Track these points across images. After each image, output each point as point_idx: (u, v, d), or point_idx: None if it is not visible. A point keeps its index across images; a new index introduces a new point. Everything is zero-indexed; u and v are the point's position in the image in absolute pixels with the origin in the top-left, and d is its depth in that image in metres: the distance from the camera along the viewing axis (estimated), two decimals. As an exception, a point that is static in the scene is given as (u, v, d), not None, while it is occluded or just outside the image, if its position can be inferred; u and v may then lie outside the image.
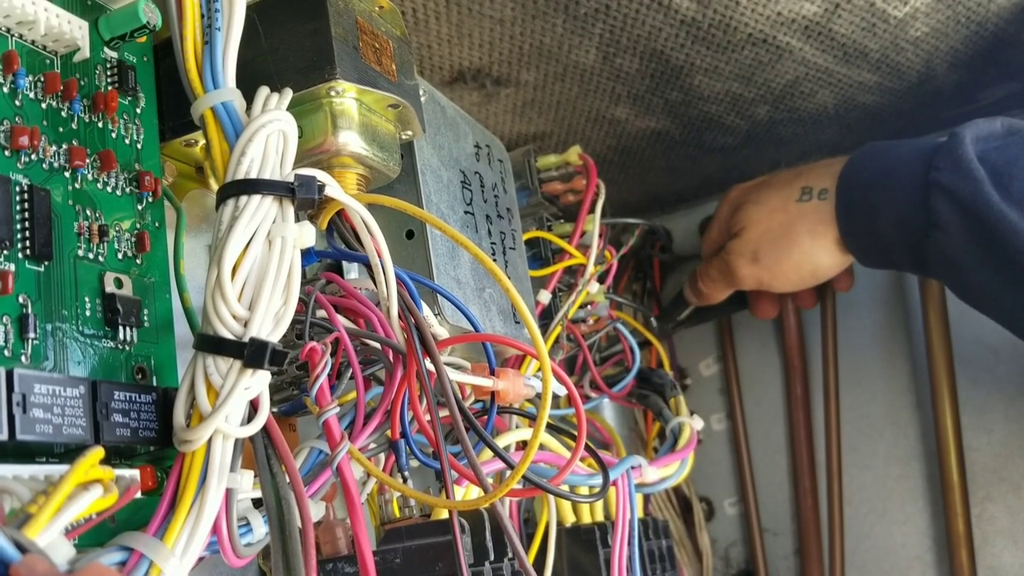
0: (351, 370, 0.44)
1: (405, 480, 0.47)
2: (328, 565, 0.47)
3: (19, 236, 0.37)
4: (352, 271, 0.50)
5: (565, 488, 0.51)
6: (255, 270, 0.38)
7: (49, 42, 0.41)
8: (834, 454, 0.88)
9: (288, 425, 0.53)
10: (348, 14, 0.48)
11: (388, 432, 0.46)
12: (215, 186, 0.45)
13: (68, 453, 0.36)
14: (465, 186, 0.59)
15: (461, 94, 0.73)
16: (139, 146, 0.44)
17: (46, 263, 0.38)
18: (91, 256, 0.41)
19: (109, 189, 0.42)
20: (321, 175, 0.41)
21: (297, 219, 0.40)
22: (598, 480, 0.54)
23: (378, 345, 0.44)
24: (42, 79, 0.40)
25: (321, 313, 0.43)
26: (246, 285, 0.38)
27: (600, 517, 0.63)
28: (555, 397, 0.57)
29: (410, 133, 0.52)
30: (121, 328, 0.41)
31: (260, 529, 0.40)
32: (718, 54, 0.71)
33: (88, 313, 0.40)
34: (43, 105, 0.40)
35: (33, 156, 0.39)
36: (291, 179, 0.39)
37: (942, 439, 0.83)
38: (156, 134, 0.46)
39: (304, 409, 0.48)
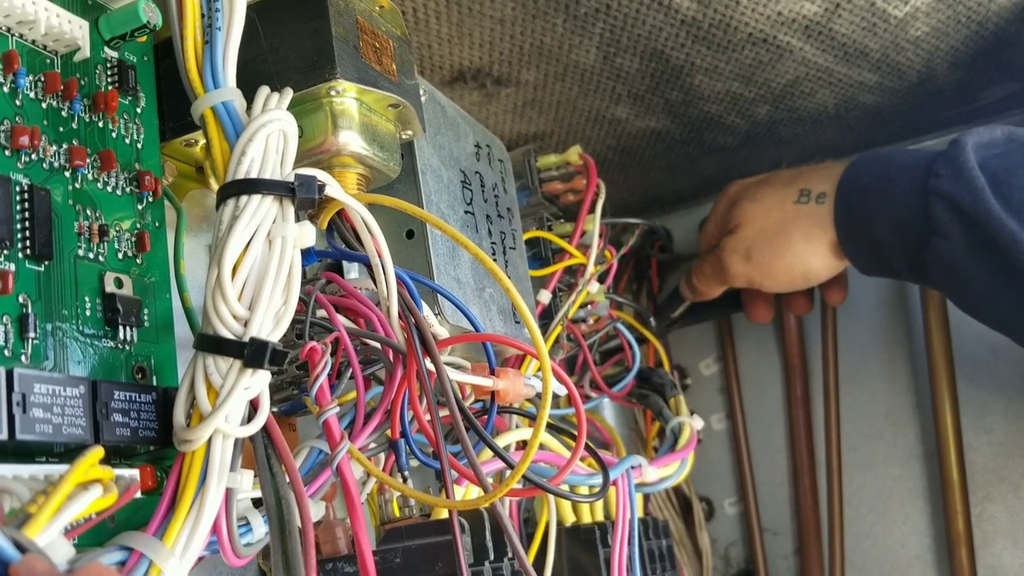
0: (351, 370, 0.44)
1: (405, 480, 0.47)
2: (328, 565, 0.47)
3: (19, 236, 0.37)
4: (352, 271, 0.50)
5: (565, 488, 0.51)
6: (255, 270, 0.38)
7: (49, 42, 0.41)
8: (834, 454, 0.88)
9: (288, 425, 0.53)
10: (348, 14, 0.48)
11: (388, 432, 0.46)
12: (215, 186, 0.45)
13: (68, 453, 0.36)
14: (465, 186, 0.59)
15: (461, 94, 0.73)
16: (139, 146, 0.44)
17: (46, 263, 0.38)
18: (91, 256, 0.41)
19: (109, 189, 0.42)
20: (321, 175, 0.41)
21: (297, 219, 0.40)
22: (598, 480, 0.54)
23: (378, 345, 0.44)
24: (42, 79, 0.40)
25: (321, 313, 0.43)
26: (246, 285, 0.38)
27: (600, 517, 0.63)
28: (555, 397, 0.57)
29: (410, 133, 0.52)
30: (121, 328, 0.41)
31: (260, 529, 0.40)
32: (718, 54, 0.71)
33: (88, 313, 0.40)
34: (43, 105, 0.40)
35: (33, 156, 0.39)
36: (291, 179, 0.40)
37: (942, 439, 0.83)
38: (156, 134, 0.46)
39: (304, 409, 0.48)
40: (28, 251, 0.37)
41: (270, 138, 0.40)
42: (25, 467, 0.34)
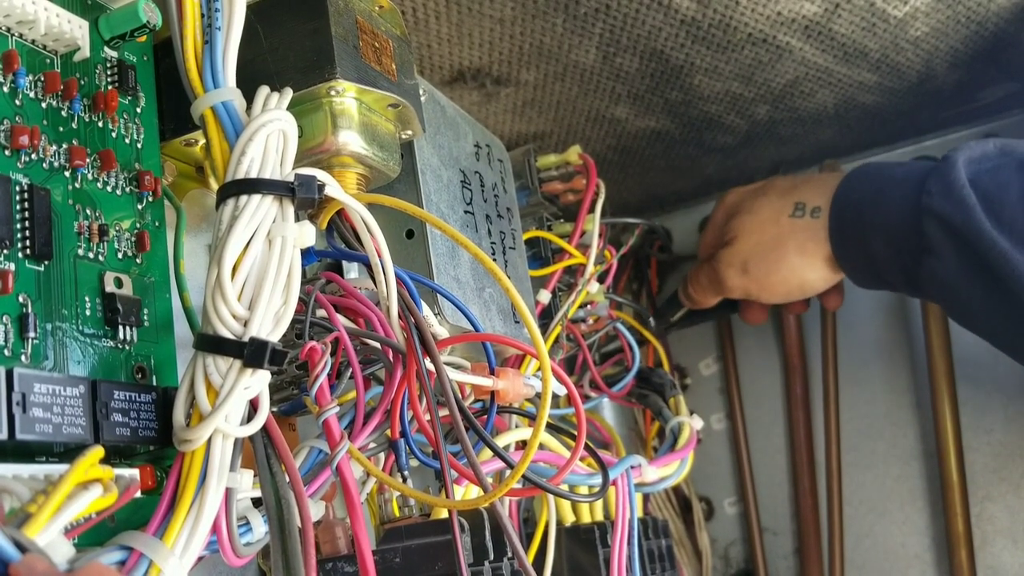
0: (351, 369, 0.44)
1: (405, 479, 0.47)
2: (328, 564, 0.47)
3: (19, 235, 0.37)
4: (352, 271, 0.50)
5: (565, 488, 0.51)
6: (255, 270, 0.38)
7: (49, 41, 0.41)
8: (834, 454, 0.88)
9: (288, 425, 0.53)
10: (348, 14, 0.48)
11: (388, 432, 0.46)
12: (215, 186, 0.45)
13: (68, 452, 0.36)
14: (465, 186, 0.59)
15: (461, 94, 0.73)
16: (139, 146, 0.44)
17: (46, 262, 0.38)
18: (91, 255, 0.41)
19: (109, 189, 0.42)
20: (321, 175, 0.41)
21: (297, 219, 0.40)
22: (598, 480, 0.54)
23: (378, 345, 0.44)
24: (42, 78, 0.40)
25: (321, 312, 0.43)
26: (246, 285, 0.38)
27: (600, 517, 0.63)
28: (555, 397, 0.57)
29: (410, 133, 0.52)
30: (121, 327, 0.41)
31: (260, 528, 0.40)
32: (718, 54, 0.71)
33: (88, 312, 0.40)
34: (43, 104, 0.40)
35: (33, 156, 0.39)
36: (291, 179, 0.39)
37: (942, 439, 0.83)
38: (156, 134, 0.46)
39: (304, 409, 0.48)
40: (28, 251, 0.37)
41: (270, 138, 0.40)
42: (25, 467, 0.34)
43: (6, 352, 0.36)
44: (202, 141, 0.48)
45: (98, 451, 0.33)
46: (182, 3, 0.41)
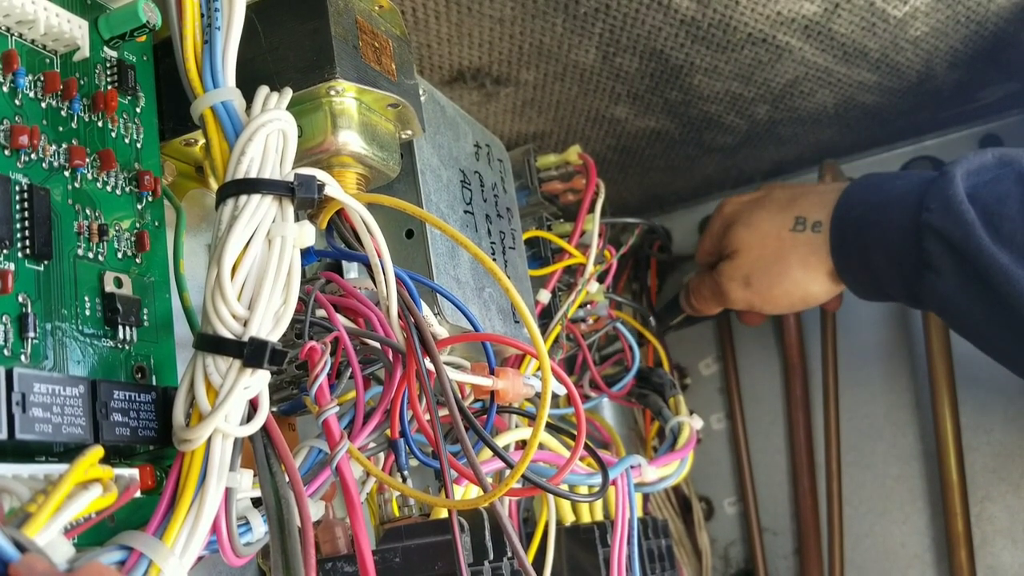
0: (350, 369, 0.44)
1: (404, 479, 0.47)
2: (327, 564, 0.47)
3: (19, 235, 0.37)
4: (352, 270, 0.50)
5: (564, 487, 0.51)
6: (255, 269, 0.38)
7: (49, 41, 0.41)
8: (833, 453, 0.88)
9: (288, 424, 0.53)
10: (348, 13, 0.48)
11: (387, 431, 0.46)
12: (215, 185, 0.45)
13: (67, 452, 0.36)
14: (465, 185, 0.59)
15: (461, 93, 0.73)
16: (139, 145, 0.44)
17: (46, 262, 0.38)
18: (91, 255, 0.41)
19: (109, 188, 0.42)
20: (321, 174, 0.41)
21: (297, 218, 0.40)
22: (597, 479, 0.54)
23: (378, 344, 0.44)
24: (42, 78, 0.40)
25: (321, 312, 0.43)
26: (246, 284, 0.38)
27: (599, 516, 0.63)
28: (555, 396, 0.57)
29: (410, 132, 0.52)
30: (121, 327, 0.41)
31: (259, 528, 0.40)
32: (718, 54, 0.71)
33: (88, 312, 0.40)
34: (43, 104, 0.40)
35: (33, 155, 0.39)
36: (291, 178, 0.39)
37: (941, 439, 0.83)
38: (156, 133, 0.46)
39: (303, 408, 0.48)
40: (28, 251, 0.37)
41: (269, 138, 0.40)
42: (25, 467, 0.34)
43: (6, 352, 0.36)
44: (202, 141, 0.48)
45: (98, 451, 0.33)
46: (182, 3, 0.41)
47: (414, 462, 0.47)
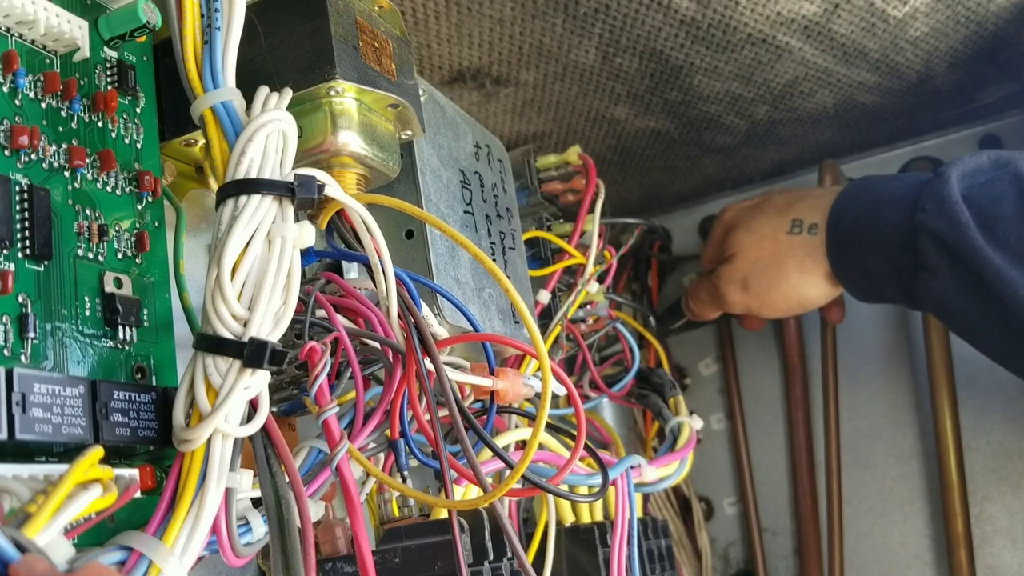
0: (350, 370, 0.44)
1: (404, 480, 0.47)
2: (327, 564, 0.47)
3: (19, 236, 0.37)
4: (352, 271, 0.50)
5: (564, 488, 0.51)
6: (255, 270, 0.38)
7: (49, 41, 0.41)
8: (833, 454, 0.88)
9: (287, 425, 0.53)
10: (348, 14, 0.48)
11: (387, 432, 0.46)
12: (215, 186, 0.45)
13: (67, 452, 0.36)
14: (465, 186, 0.59)
15: (461, 94, 0.73)
16: (139, 146, 0.44)
17: (46, 263, 0.38)
18: (91, 256, 0.41)
19: (109, 189, 0.42)
20: (321, 175, 0.41)
21: (297, 219, 0.40)
22: (597, 480, 0.54)
23: (377, 345, 0.44)
24: (42, 79, 0.40)
25: (321, 313, 0.43)
26: (246, 285, 0.38)
27: (599, 517, 0.63)
28: (554, 397, 0.57)
29: (410, 133, 0.52)
30: (121, 328, 0.41)
31: (259, 529, 0.40)
32: (718, 54, 0.71)
33: (88, 313, 0.40)
34: (43, 105, 0.40)
35: (33, 156, 0.39)
36: (291, 179, 0.40)
37: (941, 439, 0.83)
38: (156, 134, 0.46)
39: (303, 409, 0.48)
40: (28, 251, 0.37)
41: (269, 138, 0.40)
42: (25, 467, 0.34)
43: (6, 352, 0.36)
44: (202, 141, 0.48)
45: (98, 451, 0.33)
46: (182, 3, 0.41)
47: (414, 462, 0.47)
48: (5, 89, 0.39)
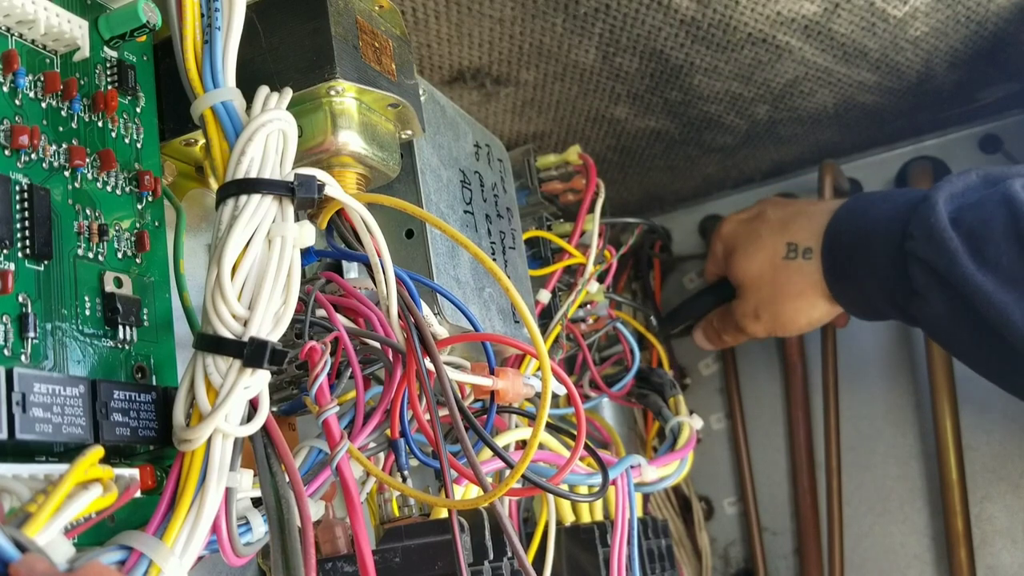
0: (351, 369, 0.44)
1: (404, 479, 0.47)
2: (327, 564, 0.47)
3: (19, 235, 0.37)
4: (352, 270, 0.50)
5: (564, 487, 0.51)
6: (255, 269, 0.38)
7: (49, 41, 0.41)
8: (833, 453, 0.88)
9: (288, 424, 0.53)
10: (348, 13, 0.48)
11: (387, 431, 0.46)
12: (215, 185, 0.45)
13: (67, 452, 0.36)
14: (465, 185, 0.59)
15: (461, 93, 0.73)
16: (139, 145, 0.44)
17: (46, 262, 0.38)
18: (91, 255, 0.41)
19: (109, 188, 0.42)
20: (321, 174, 0.41)
21: (297, 218, 0.40)
22: (597, 479, 0.54)
23: (378, 344, 0.44)
24: (42, 78, 0.40)
25: (321, 312, 0.43)
26: (246, 284, 0.38)
27: (599, 516, 0.63)
28: (555, 396, 0.57)
29: (410, 132, 0.52)
30: (121, 327, 0.41)
31: (260, 528, 0.40)
32: (718, 54, 0.71)
33: (88, 312, 0.40)
34: (43, 104, 0.40)
35: (33, 155, 0.39)
36: (291, 178, 0.40)
37: (941, 439, 0.83)
38: (156, 133, 0.46)
39: (304, 408, 0.48)
40: (28, 251, 0.37)
41: (269, 138, 0.40)
42: (25, 466, 0.34)
43: (6, 352, 0.36)
44: (202, 141, 0.48)
45: (98, 451, 0.33)
46: (182, 3, 0.41)
47: (414, 462, 0.47)
48: (5, 89, 0.39)
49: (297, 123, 0.41)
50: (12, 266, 0.37)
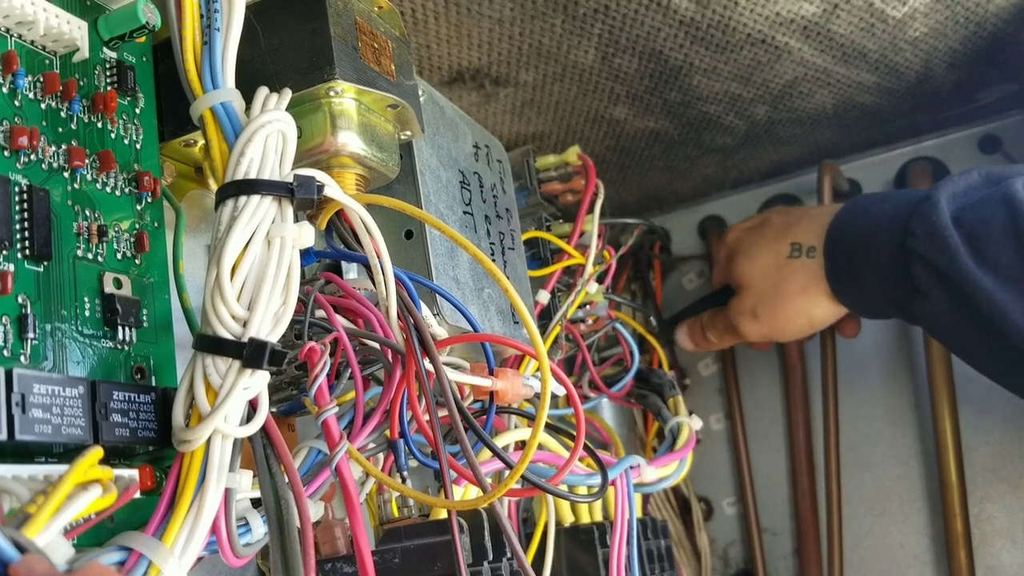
0: (350, 370, 0.44)
1: (404, 480, 0.47)
2: (327, 565, 0.47)
3: (18, 236, 0.37)
4: (351, 271, 0.50)
5: (564, 488, 0.51)
6: (254, 270, 0.38)
7: (48, 42, 0.41)
8: (833, 454, 0.88)
9: (287, 425, 0.53)
10: (347, 14, 0.48)
11: (387, 432, 0.46)
12: (214, 186, 0.45)
13: (67, 453, 0.36)
14: (464, 186, 0.59)
15: (460, 94, 0.73)
16: (138, 146, 0.44)
17: (45, 263, 0.38)
18: (90, 256, 0.41)
19: (108, 189, 0.42)
20: (320, 175, 0.41)
21: (296, 219, 0.40)
22: (597, 480, 0.54)
23: (377, 345, 0.44)
24: (41, 79, 0.40)
25: (320, 313, 0.43)
26: (245, 285, 0.38)
27: (599, 517, 0.63)
28: (554, 397, 0.57)
29: (409, 133, 0.52)
30: (120, 328, 0.41)
31: (259, 529, 0.40)
32: (717, 54, 0.71)
33: (87, 313, 0.40)
34: (42, 105, 0.40)
35: (32, 156, 0.39)
36: (290, 179, 0.40)
37: (941, 439, 0.83)
38: (155, 134, 0.46)
39: (303, 409, 0.48)
40: (27, 251, 0.37)
41: (269, 139, 0.40)
42: (24, 467, 0.34)
43: (5, 353, 0.36)
44: (201, 142, 0.48)
45: (97, 451, 0.33)
46: (181, 4, 0.41)
47: (413, 463, 0.47)
48: (5, 90, 0.39)
49: (296, 124, 0.41)
50: (11, 267, 0.37)
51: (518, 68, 0.71)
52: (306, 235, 0.39)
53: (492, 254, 0.60)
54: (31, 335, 0.37)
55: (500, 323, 0.57)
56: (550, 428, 0.54)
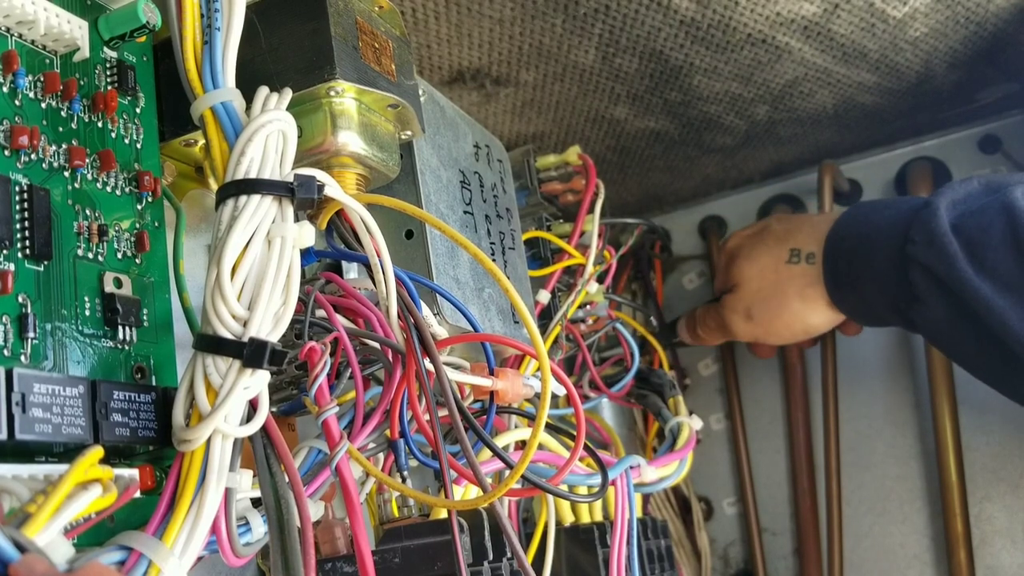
0: (350, 370, 0.44)
1: (404, 480, 0.47)
2: (327, 565, 0.47)
3: (19, 236, 0.37)
4: (351, 271, 0.50)
5: (564, 488, 0.51)
6: (254, 270, 0.38)
7: (49, 42, 0.41)
8: (833, 454, 0.88)
9: (287, 425, 0.53)
10: (348, 14, 0.48)
11: (387, 432, 0.46)
12: (215, 186, 0.45)
13: (67, 453, 0.36)
14: (464, 186, 0.59)
15: (460, 94, 0.73)
16: (138, 146, 0.44)
17: (45, 263, 0.38)
18: (90, 256, 0.41)
19: (109, 189, 0.42)
20: (320, 175, 0.41)
21: (296, 219, 0.40)
22: (597, 480, 0.54)
23: (377, 345, 0.44)
24: (42, 79, 0.40)
25: (320, 313, 0.43)
26: (245, 285, 0.38)
27: (599, 517, 0.63)
28: (554, 397, 0.57)
29: (409, 133, 0.52)
30: (120, 328, 0.41)
31: (259, 529, 0.40)
32: (717, 54, 0.71)
33: (87, 313, 0.40)
34: (43, 105, 0.40)
35: (33, 156, 0.39)
36: (290, 179, 0.40)
37: (941, 439, 0.83)
38: (155, 134, 0.46)
39: (303, 409, 0.48)
40: (27, 251, 0.37)
41: (269, 138, 0.40)
42: (25, 467, 0.34)
43: (6, 352, 0.36)
44: (201, 141, 0.48)
45: (97, 451, 0.33)
46: (182, 3, 0.41)
47: (414, 462, 0.47)
48: (5, 89, 0.39)
49: (297, 123, 0.41)
50: (12, 266, 0.37)
51: (519, 68, 0.71)
52: (306, 235, 0.39)
53: (492, 254, 0.60)
54: (31, 334, 0.37)
55: (500, 323, 0.57)
56: (550, 428, 0.54)
